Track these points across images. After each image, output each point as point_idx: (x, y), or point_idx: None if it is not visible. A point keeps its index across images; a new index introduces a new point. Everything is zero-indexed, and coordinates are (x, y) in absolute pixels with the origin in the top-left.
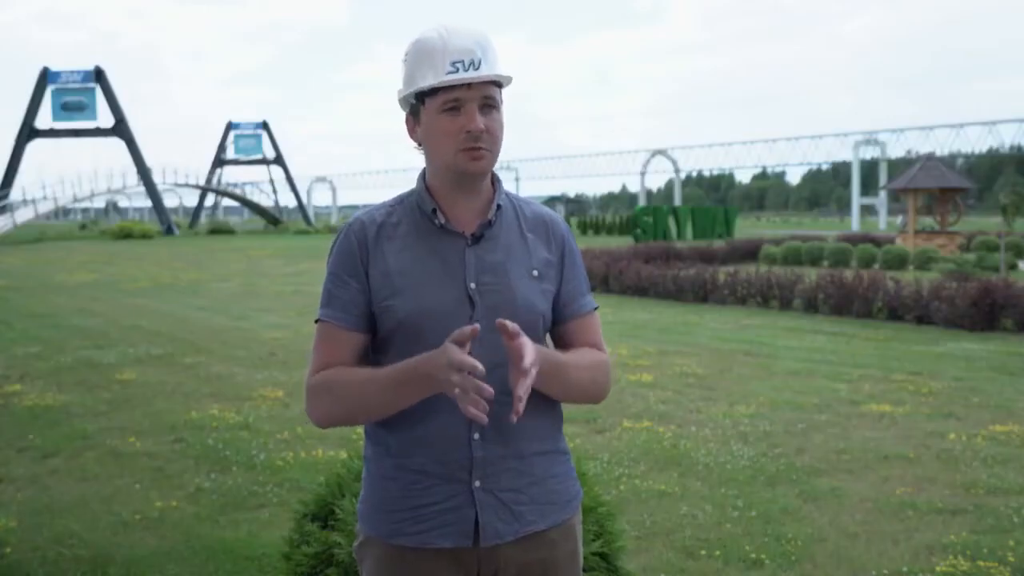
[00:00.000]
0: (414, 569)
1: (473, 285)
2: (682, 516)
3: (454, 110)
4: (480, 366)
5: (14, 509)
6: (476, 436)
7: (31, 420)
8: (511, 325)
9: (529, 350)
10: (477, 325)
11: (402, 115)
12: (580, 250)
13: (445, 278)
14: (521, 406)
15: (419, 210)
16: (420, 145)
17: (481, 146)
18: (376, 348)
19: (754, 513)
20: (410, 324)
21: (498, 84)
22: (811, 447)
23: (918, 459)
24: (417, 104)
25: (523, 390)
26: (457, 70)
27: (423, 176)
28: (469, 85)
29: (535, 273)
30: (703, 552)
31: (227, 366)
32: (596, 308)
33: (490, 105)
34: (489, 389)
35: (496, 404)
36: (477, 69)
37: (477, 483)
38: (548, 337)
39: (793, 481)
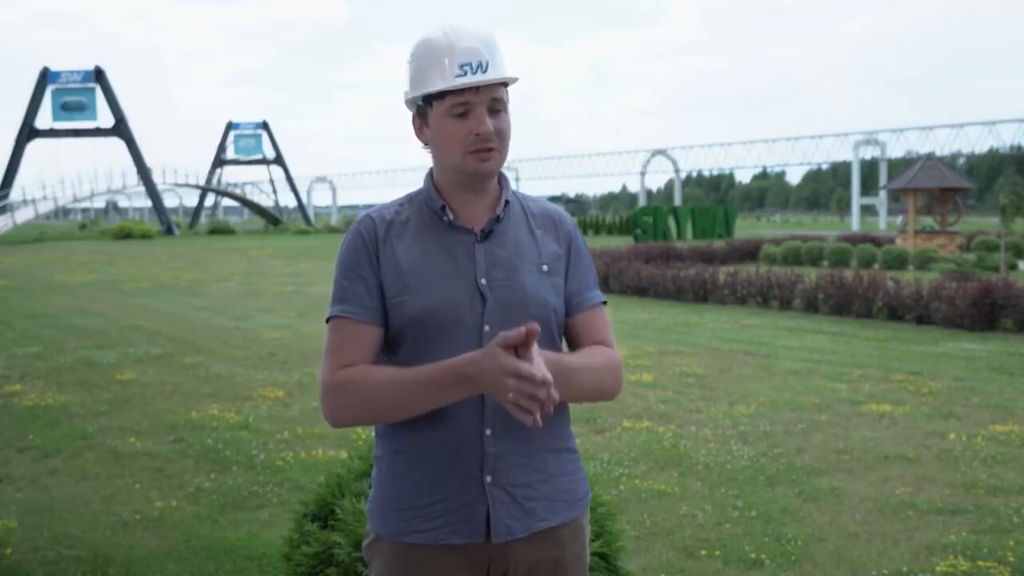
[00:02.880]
0: (425, 566)
1: (484, 281)
2: (682, 516)
3: (463, 114)
4: (539, 374)
5: (14, 509)
6: (488, 432)
7: (31, 420)
8: (537, 328)
9: (538, 360)
10: (524, 328)
11: (404, 114)
12: None
13: (455, 274)
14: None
15: (428, 208)
16: (427, 145)
17: (491, 147)
18: (387, 344)
19: (754, 513)
20: (422, 320)
21: (505, 84)
22: (811, 447)
23: (918, 459)
24: (424, 106)
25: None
26: (465, 73)
27: (431, 175)
28: (477, 88)
29: (545, 268)
30: (703, 552)
31: (227, 366)
32: (604, 302)
33: (498, 107)
34: (546, 394)
35: None
36: (485, 72)
37: (489, 478)
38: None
39: (793, 481)
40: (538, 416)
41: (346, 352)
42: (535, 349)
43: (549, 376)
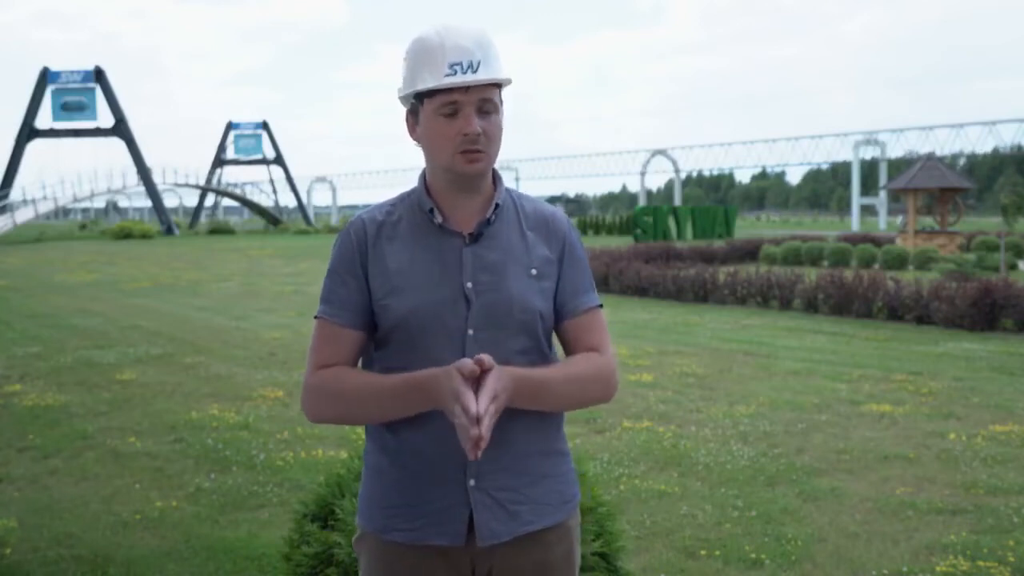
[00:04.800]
0: (407, 566)
1: (469, 284)
2: (682, 516)
3: (451, 113)
4: (474, 409)
5: (14, 509)
6: None
7: (31, 420)
8: (487, 361)
9: (485, 392)
10: (476, 368)
11: (402, 114)
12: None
13: (441, 277)
14: (482, 444)
15: (419, 209)
16: (419, 144)
17: (478, 148)
18: (376, 346)
19: (754, 513)
20: (406, 323)
21: (497, 85)
22: (811, 447)
23: (918, 459)
24: (417, 104)
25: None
26: (455, 72)
27: (423, 175)
28: (467, 88)
29: (533, 272)
30: (703, 552)
31: (227, 366)
32: (599, 306)
33: (488, 108)
34: (477, 434)
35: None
36: (475, 71)
37: (472, 482)
38: (554, 337)
39: (793, 481)
40: (478, 452)
41: (325, 353)
42: (491, 375)
43: (482, 412)
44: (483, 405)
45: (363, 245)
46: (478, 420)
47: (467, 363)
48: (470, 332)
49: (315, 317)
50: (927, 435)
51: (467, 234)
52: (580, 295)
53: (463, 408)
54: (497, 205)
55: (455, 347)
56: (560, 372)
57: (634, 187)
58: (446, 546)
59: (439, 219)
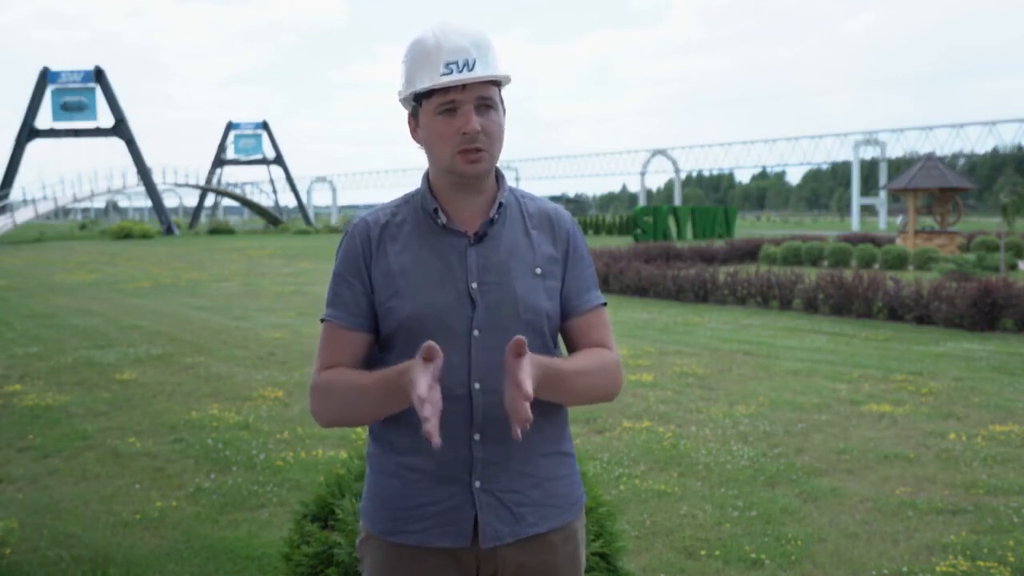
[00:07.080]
0: (413, 567)
1: (475, 285)
2: (682, 516)
3: (449, 112)
4: (421, 391)
5: (14, 509)
6: (477, 437)
7: (31, 420)
8: (524, 343)
9: (527, 374)
10: (435, 347)
11: (402, 114)
12: None
13: (446, 278)
14: (523, 427)
15: (423, 210)
16: (422, 146)
17: (479, 147)
18: (381, 347)
19: (754, 513)
20: (411, 324)
21: (496, 84)
22: (811, 447)
23: (918, 459)
24: (417, 106)
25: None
26: (451, 71)
27: (427, 176)
28: (464, 86)
29: (538, 271)
30: (703, 552)
31: (227, 366)
32: (604, 304)
33: (487, 105)
34: (429, 425)
35: (497, 405)
36: (472, 70)
37: (477, 483)
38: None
39: (793, 481)
40: (436, 437)
41: (329, 355)
42: (526, 358)
43: (523, 380)
44: (525, 378)
45: (367, 247)
46: (422, 402)
47: (429, 344)
48: (475, 333)
49: (321, 320)
50: (927, 435)
51: (471, 234)
52: (584, 293)
53: (418, 395)
54: (501, 204)
55: (460, 348)
56: (574, 365)
57: (634, 187)
58: (452, 548)
59: (443, 219)
